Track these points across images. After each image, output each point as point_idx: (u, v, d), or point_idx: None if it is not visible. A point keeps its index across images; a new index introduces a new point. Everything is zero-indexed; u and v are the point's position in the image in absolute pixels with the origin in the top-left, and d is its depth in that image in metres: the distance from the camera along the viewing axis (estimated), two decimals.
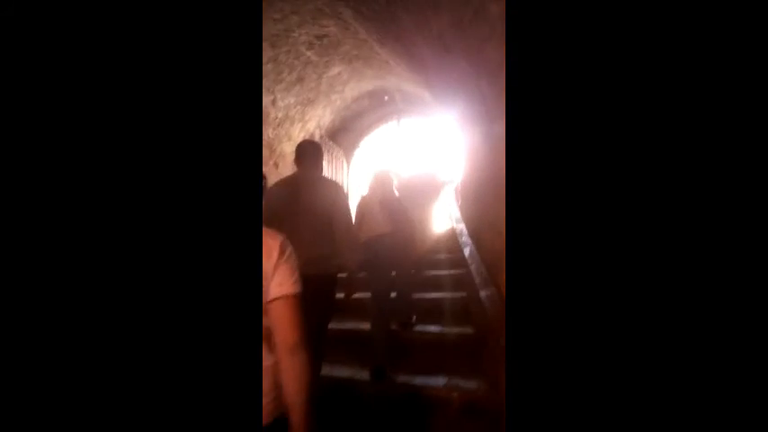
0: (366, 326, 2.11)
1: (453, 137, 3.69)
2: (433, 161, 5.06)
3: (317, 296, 1.36)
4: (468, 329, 2.19)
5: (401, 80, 4.43)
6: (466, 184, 2.41)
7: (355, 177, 5.96)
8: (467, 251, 1.70)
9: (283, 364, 0.74)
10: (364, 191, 2.36)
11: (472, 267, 1.57)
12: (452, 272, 2.94)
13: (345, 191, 1.95)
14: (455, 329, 2.22)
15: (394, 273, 2.25)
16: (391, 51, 3.02)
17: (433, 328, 2.29)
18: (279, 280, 0.79)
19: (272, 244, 0.81)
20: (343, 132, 5.72)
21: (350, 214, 1.82)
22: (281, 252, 0.82)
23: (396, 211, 2.20)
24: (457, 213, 2.36)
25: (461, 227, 2.11)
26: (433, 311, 2.51)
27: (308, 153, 1.86)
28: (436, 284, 2.81)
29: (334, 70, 4.09)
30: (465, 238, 1.89)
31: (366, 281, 2.15)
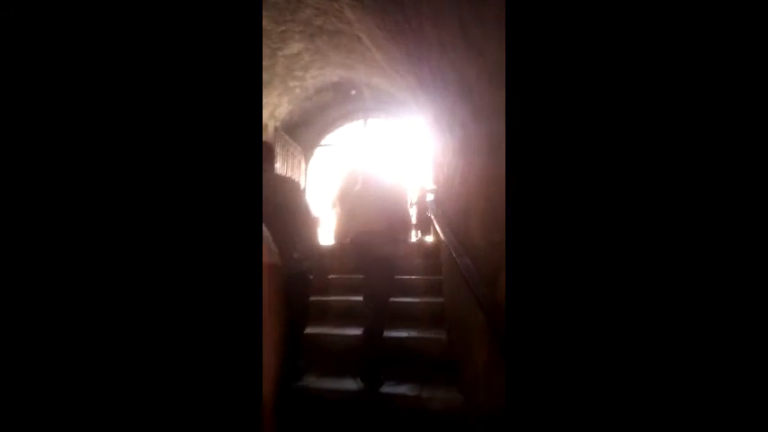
0: None
1: (427, 142, 3.19)
2: (402, 167, 4.52)
3: (290, 296, 1.21)
4: (454, 393, 1.54)
5: (372, 72, 3.81)
6: (450, 193, 1.87)
7: (313, 178, 5.25)
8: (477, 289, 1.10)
9: None
10: (352, 186, 2.10)
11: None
12: (432, 300, 2.31)
13: (303, 190, 1.65)
14: (439, 394, 1.56)
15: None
16: (371, 13, 2.32)
17: (405, 390, 1.62)
18: None
19: None
20: (303, 127, 4.99)
21: (312, 214, 1.77)
22: None
23: (391, 209, 1.96)
24: (447, 229, 1.80)
25: (451, 240, 1.56)
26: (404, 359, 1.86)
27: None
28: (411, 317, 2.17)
29: (293, 47, 3.38)
30: (463, 259, 1.31)
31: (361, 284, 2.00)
